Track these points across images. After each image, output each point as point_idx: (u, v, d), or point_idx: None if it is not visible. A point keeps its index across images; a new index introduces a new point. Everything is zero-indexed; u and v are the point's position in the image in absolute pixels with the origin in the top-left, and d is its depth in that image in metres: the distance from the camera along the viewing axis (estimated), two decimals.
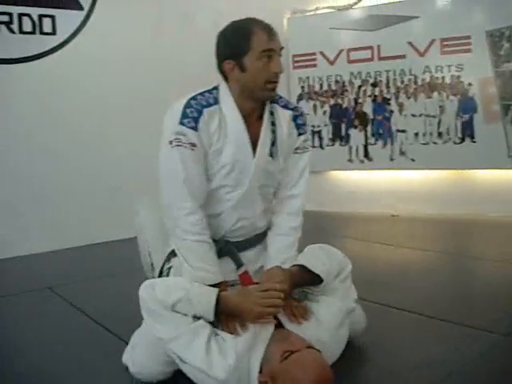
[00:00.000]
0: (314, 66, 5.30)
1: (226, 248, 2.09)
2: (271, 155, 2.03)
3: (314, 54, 5.28)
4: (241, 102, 1.97)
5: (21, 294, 3.11)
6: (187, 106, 1.92)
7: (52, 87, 4.09)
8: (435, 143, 4.88)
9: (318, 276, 1.94)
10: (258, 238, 2.18)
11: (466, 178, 4.90)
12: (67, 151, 4.18)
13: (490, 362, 2.06)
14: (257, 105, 2.01)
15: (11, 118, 3.96)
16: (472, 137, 4.74)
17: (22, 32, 3.96)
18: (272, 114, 2.05)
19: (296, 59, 5.36)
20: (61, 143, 4.15)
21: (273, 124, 2.04)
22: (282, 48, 1.95)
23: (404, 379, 1.94)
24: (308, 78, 5.34)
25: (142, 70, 4.42)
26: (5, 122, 3.94)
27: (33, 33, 4.01)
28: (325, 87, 5.28)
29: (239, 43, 1.90)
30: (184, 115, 1.90)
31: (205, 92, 1.98)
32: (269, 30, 1.92)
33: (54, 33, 4.10)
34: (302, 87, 5.37)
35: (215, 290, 1.80)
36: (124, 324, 2.36)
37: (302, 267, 1.97)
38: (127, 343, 2.20)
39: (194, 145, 1.91)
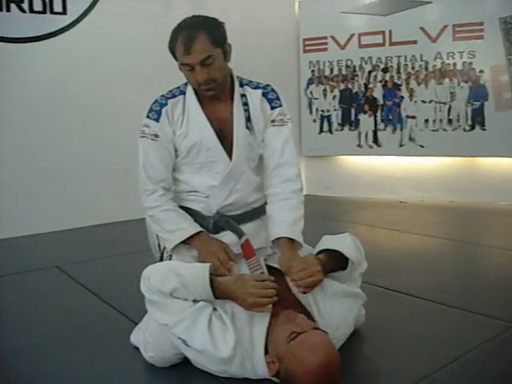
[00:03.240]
0: (325, 50, 5.25)
1: (222, 220, 2.16)
2: (248, 128, 2.19)
3: (324, 37, 5.23)
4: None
5: (29, 272, 3.14)
6: (154, 102, 2.18)
7: (62, 67, 4.08)
8: (445, 130, 4.85)
9: (343, 263, 1.97)
10: (256, 212, 2.25)
11: (475, 166, 4.87)
12: (77, 129, 4.19)
13: (497, 348, 2.07)
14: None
15: (21, 96, 3.96)
16: (482, 124, 4.70)
17: (32, 11, 3.94)
18: (244, 95, 2.21)
19: (307, 43, 5.32)
20: (71, 122, 4.16)
21: (245, 104, 2.21)
22: (206, 58, 2.00)
23: (408, 363, 1.94)
24: (318, 62, 5.31)
25: (154, 50, 4.37)
26: (15, 101, 3.94)
27: (43, 12, 3.99)
28: (335, 72, 5.24)
29: (171, 49, 2.08)
30: (150, 110, 2.17)
31: (173, 88, 2.22)
32: (186, 44, 2.00)
33: (64, 12, 4.08)
34: (312, 71, 5.33)
35: (206, 271, 1.81)
36: (131, 303, 2.37)
37: (331, 253, 1.98)
38: (134, 322, 2.22)
39: (156, 135, 2.14)
